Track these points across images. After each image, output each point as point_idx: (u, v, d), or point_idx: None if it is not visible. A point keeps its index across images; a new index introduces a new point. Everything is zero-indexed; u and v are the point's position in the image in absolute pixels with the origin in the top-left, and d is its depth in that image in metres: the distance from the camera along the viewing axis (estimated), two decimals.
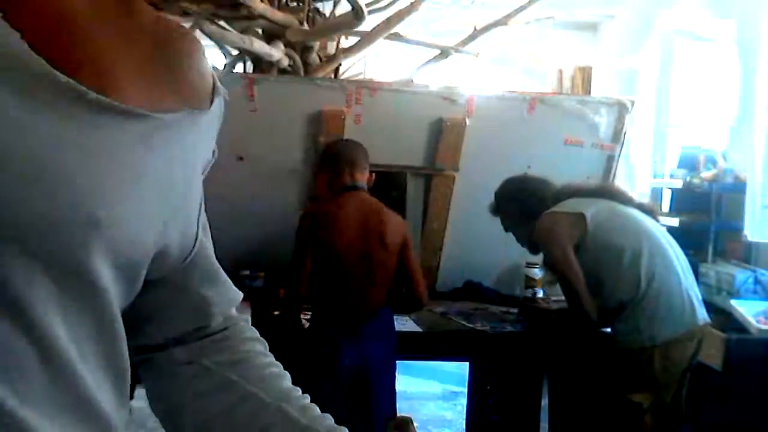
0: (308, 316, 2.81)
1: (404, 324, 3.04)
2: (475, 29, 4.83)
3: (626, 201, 2.78)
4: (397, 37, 4.67)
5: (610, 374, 2.63)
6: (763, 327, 3.36)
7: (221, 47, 4.75)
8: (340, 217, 2.64)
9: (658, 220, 2.86)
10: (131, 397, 2.73)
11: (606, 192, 2.80)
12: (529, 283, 3.54)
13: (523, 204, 2.81)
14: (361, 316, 2.65)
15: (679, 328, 2.52)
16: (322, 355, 2.60)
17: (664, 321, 2.52)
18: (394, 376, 2.80)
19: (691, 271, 2.73)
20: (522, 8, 4.62)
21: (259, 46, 4.17)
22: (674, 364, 2.52)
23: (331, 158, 2.83)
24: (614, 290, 2.62)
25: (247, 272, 3.39)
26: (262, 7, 4.19)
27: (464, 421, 3.35)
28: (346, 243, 2.61)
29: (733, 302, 3.60)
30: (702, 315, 2.61)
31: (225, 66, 4.69)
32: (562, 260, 2.58)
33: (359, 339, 2.62)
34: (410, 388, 4.95)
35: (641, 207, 2.81)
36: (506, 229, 2.97)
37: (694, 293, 2.63)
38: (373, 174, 2.87)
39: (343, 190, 2.69)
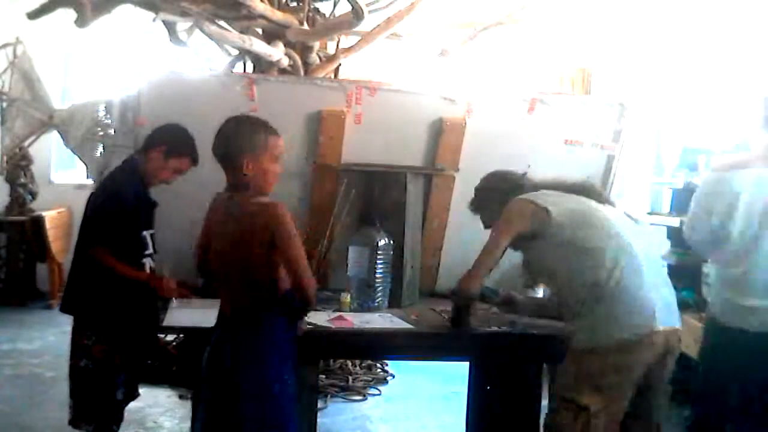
0: None
1: (404, 323, 3.04)
2: (474, 29, 4.83)
3: (602, 200, 2.75)
4: (397, 37, 4.67)
5: (562, 373, 2.58)
6: None
7: (221, 47, 4.75)
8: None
9: (636, 221, 2.79)
10: (134, 397, 2.71)
11: (582, 189, 2.77)
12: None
13: (502, 193, 2.80)
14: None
15: (635, 330, 2.45)
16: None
17: (620, 322, 2.47)
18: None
19: (663, 274, 2.66)
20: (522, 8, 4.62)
21: (259, 46, 4.17)
22: (627, 366, 2.46)
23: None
24: (572, 286, 2.59)
25: None
26: (262, 7, 4.19)
27: (464, 422, 3.35)
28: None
29: None
30: (667, 319, 2.52)
31: (225, 66, 4.69)
32: (494, 235, 2.68)
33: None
34: (410, 389, 4.95)
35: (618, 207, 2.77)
36: (485, 224, 2.92)
37: (660, 296, 2.54)
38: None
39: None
